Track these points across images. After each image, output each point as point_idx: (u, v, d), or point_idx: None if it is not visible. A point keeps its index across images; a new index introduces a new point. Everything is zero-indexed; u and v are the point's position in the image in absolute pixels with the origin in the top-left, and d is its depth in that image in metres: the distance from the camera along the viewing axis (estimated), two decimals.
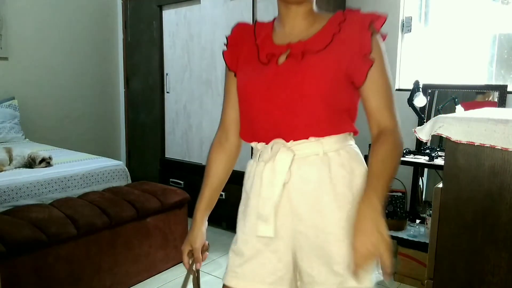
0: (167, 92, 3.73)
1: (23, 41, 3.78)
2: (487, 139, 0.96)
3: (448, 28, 2.79)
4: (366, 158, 0.99)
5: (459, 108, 2.52)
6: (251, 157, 1.12)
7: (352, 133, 1.05)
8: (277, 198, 0.99)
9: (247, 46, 1.10)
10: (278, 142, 1.01)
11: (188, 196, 2.70)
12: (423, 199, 2.85)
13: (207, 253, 1.20)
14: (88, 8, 4.22)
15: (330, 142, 0.99)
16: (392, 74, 3.08)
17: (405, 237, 2.52)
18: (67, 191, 2.54)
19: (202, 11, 3.32)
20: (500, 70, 2.62)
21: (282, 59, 1.01)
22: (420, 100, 2.59)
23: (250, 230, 1.06)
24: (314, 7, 1.05)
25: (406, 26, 2.86)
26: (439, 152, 2.52)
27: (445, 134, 1.02)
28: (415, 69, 2.90)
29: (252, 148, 1.10)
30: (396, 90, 2.88)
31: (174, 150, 3.74)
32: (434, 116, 1.60)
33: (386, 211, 2.61)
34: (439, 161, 2.43)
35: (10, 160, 2.63)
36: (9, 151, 2.66)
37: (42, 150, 2.87)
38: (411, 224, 2.69)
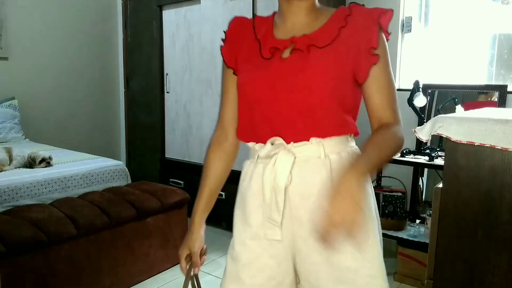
0: (167, 92, 3.74)
1: (23, 41, 3.78)
2: (487, 139, 0.96)
3: (448, 28, 2.79)
4: None
5: (459, 108, 2.52)
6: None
7: (352, 135, 1.03)
8: (282, 202, 0.96)
9: (247, 41, 1.06)
10: (278, 143, 0.98)
11: (188, 196, 2.70)
12: (423, 199, 2.85)
13: (205, 257, 1.17)
14: (88, 8, 4.22)
15: (331, 144, 0.97)
16: (392, 74, 3.08)
17: (405, 237, 2.52)
18: (67, 191, 2.54)
19: (202, 11, 3.32)
20: (500, 70, 2.62)
21: (286, 53, 0.97)
22: (420, 100, 2.59)
23: (249, 234, 1.03)
24: (316, 2, 1.03)
25: (406, 26, 2.86)
26: (439, 152, 2.52)
27: (445, 134, 1.02)
28: (415, 69, 2.90)
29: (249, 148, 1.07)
30: (396, 90, 2.87)
31: (174, 150, 3.74)
32: (434, 116, 1.60)
33: (386, 211, 2.62)
34: (439, 161, 2.43)
35: (10, 160, 2.63)
36: (9, 151, 2.66)
37: (42, 150, 2.87)
38: (411, 224, 2.69)
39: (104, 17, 4.36)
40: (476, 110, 1.28)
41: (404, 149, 2.59)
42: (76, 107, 4.22)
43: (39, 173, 2.50)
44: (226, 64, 1.10)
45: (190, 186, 3.40)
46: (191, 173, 3.50)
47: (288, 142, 0.97)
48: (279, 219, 0.97)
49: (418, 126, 1.29)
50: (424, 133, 1.07)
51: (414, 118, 2.68)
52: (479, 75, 2.70)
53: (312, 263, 0.99)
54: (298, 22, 1.00)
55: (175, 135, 3.71)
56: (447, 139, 1.02)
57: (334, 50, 0.94)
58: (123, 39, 4.24)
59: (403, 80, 2.92)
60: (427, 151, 2.55)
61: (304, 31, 0.98)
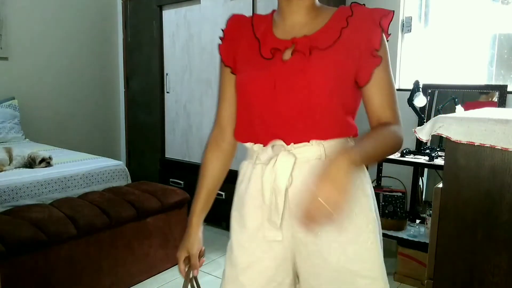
0: (167, 92, 3.74)
1: (23, 41, 3.78)
2: (487, 139, 0.96)
3: (448, 28, 2.79)
4: None
5: (459, 108, 2.52)
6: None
7: (352, 136, 1.01)
8: (282, 204, 0.95)
9: (245, 40, 1.04)
10: (278, 144, 0.96)
11: (188, 196, 2.70)
12: (423, 199, 2.85)
13: (204, 258, 1.16)
14: (88, 8, 4.22)
15: (331, 145, 0.95)
16: (392, 74, 3.09)
17: (405, 237, 2.52)
18: (67, 191, 2.54)
19: (202, 11, 3.32)
20: (500, 70, 2.62)
21: (287, 55, 0.96)
22: (420, 100, 2.59)
23: (248, 236, 1.02)
24: (316, 1, 1.02)
25: (406, 26, 2.86)
26: (439, 152, 2.52)
27: (445, 134, 1.02)
28: (415, 69, 2.90)
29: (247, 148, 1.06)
30: (396, 90, 2.87)
31: (174, 150, 3.74)
32: (434, 116, 1.60)
33: (386, 211, 2.62)
34: (439, 161, 2.43)
35: (10, 160, 2.63)
36: (9, 151, 2.66)
37: (42, 150, 2.87)
38: (411, 224, 2.69)
39: (104, 17, 4.36)
40: (476, 110, 1.28)
41: (404, 149, 2.59)
42: (76, 107, 4.22)
43: (39, 173, 2.50)
44: (223, 62, 1.09)
45: (190, 186, 3.39)
46: (191, 173, 3.50)
47: (288, 143, 0.96)
48: (279, 221, 0.96)
49: (418, 126, 1.29)
50: (424, 133, 1.07)
51: (414, 118, 2.68)
52: (479, 75, 2.70)
53: (312, 265, 0.98)
54: (298, 21, 0.99)
55: (175, 135, 3.71)
56: (447, 139, 1.02)
57: (335, 52, 0.93)
58: (123, 39, 4.24)
59: (403, 80, 2.92)
60: (427, 151, 2.55)
61: (305, 32, 0.97)
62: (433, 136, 1.06)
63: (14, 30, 3.71)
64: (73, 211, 2.23)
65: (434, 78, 2.81)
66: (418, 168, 2.78)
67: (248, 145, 1.03)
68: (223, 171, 1.14)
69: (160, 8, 3.69)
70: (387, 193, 2.64)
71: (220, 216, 2.18)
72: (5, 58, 3.68)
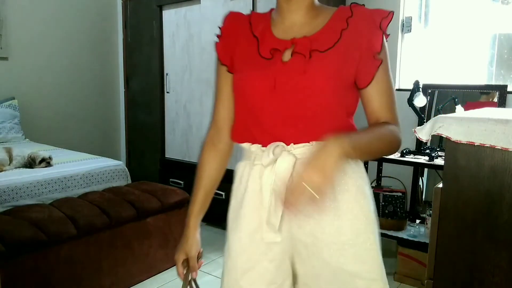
0: (167, 92, 3.74)
1: (23, 41, 3.78)
2: (487, 139, 0.96)
3: (448, 28, 2.79)
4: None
5: (459, 108, 2.52)
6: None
7: None
8: (282, 205, 0.93)
9: (243, 38, 1.02)
10: (278, 145, 0.95)
11: (188, 196, 2.68)
12: (423, 199, 2.85)
13: (202, 260, 1.15)
14: (88, 8, 4.22)
15: None
16: (392, 74, 3.08)
17: (405, 237, 2.52)
18: (67, 191, 2.54)
19: (202, 11, 3.32)
20: (500, 70, 2.62)
21: (287, 55, 0.95)
22: (420, 100, 2.59)
23: (246, 239, 1.00)
24: (316, 0, 1.01)
25: (406, 26, 2.86)
26: (439, 152, 2.52)
27: (445, 134, 1.02)
28: (415, 69, 2.90)
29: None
30: (396, 90, 2.84)
31: (174, 150, 3.74)
32: (434, 116, 1.60)
33: (386, 211, 2.62)
34: (439, 161, 2.43)
35: (10, 160, 2.63)
36: (9, 151, 2.66)
37: (42, 150, 2.87)
38: (411, 224, 2.69)
39: (104, 17, 4.36)
40: (476, 110, 1.28)
41: (404, 149, 2.59)
42: (76, 107, 4.22)
43: (39, 173, 2.50)
44: (220, 61, 1.06)
45: (190, 186, 3.38)
46: (191, 173, 3.47)
47: (287, 144, 0.95)
48: (278, 223, 0.94)
49: (418, 126, 1.29)
50: (424, 133, 1.06)
51: (414, 118, 2.68)
52: (479, 75, 2.70)
53: (312, 266, 0.98)
54: (297, 21, 0.98)
55: (175, 135, 3.71)
56: (447, 139, 1.02)
57: (335, 53, 0.93)
58: (123, 39, 4.24)
59: (403, 80, 2.92)
60: (427, 151, 2.55)
61: (305, 32, 0.96)
62: (433, 136, 1.06)
63: (14, 30, 3.71)
64: (73, 211, 2.23)
65: (434, 78, 2.81)
66: (418, 168, 2.78)
67: (245, 145, 1.02)
68: (220, 171, 1.13)
69: (160, 8, 3.69)
70: (387, 193, 2.64)
71: (220, 216, 2.18)
72: (5, 58, 3.69)
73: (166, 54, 3.71)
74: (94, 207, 2.31)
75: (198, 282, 1.15)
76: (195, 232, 1.13)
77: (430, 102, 2.76)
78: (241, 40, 1.02)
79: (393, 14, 0.96)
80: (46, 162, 2.65)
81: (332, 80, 0.92)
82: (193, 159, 3.56)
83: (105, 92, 4.45)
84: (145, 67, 3.99)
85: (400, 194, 2.63)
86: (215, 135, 1.11)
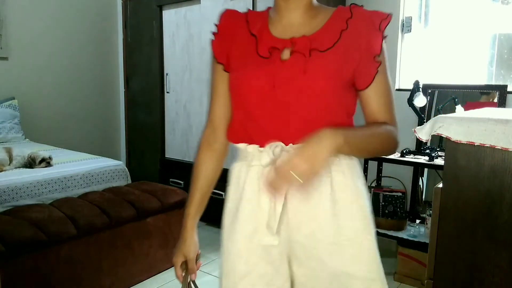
0: (167, 92, 3.74)
1: (23, 41, 3.78)
2: (487, 139, 0.96)
3: (448, 28, 2.79)
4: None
5: (459, 108, 2.52)
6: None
7: None
8: (281, 208, 0.92)
9: (240, 36, 1.00)
10: (277, 145, 0.94)
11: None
12: (423, 199, 2.85)
13: (200, 261, 1.14)
14: (88, 8, 4.22)
15: None
16: (392, 74, 3.06)
17: (405, 237, 2.52)
18: (67, 191, 2.54)
19: (202, 11, 3.32)
20: (500, 70, 2.62)
21: (285, 54, 0.94)
22: (420, 100, 2.60)
23: (243, 243, 0.98)
24: (314, 0, 1.00)
25: (406, 26, 2.86)
26: (439, 152, 2.52)
27: (445, 134, 1.02)
28: (415, 69, 2.91)
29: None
30: (396, 90, 2.88)
31: (174, 150, 3.74)
32: (434, 116, 1.60)
33: (386, 211, 2.62)
34: (439, 161, 2.43)
35: (10, 160, 2.63)
36: (9, 151, 2.66)
37: (42, 150, 2.87)
38: (411, 224, 2.69)
39: (104, 17, 4.36)
40: (476, 110, 1.28)
41: (404, 149, 2.59)
42: (76, 107, 4.22)
43: (39, 173, 2.50)
44: (216, 59, 1.04)
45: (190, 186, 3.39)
46: (191, 173, 3.50)
47: (286, 144, 0.94)
48: (276, 225, 0.93)
49: (418, 126, 1.29)
50: (424, 133, 1.06)
51: (414, 118, 2.68)
52: (479, 75, 2.70)
53: (310, 268, 0.97)
54: (295, 20, 0.97)
55: (175, 135, 3.71)
56: (447, 139, 1.02)
57: (335, 53, 0.92)
58: (123, 39, 4.24)
59: (403, 80, 2.92)
60: (427, 151, 2.55)
61: (304, 31, 0.95)
62: (433, 136, 1.06)
63: (14, 30, 3.71)
64: (73, 211, 2.23)
65: (434, 78, 2.81)
66: (418, 168, 2.78)
67: (242, 146, 1.00)
68: (216, 171, 1.12)
69: (160, 8, 3.69)
70: (387, 193, 2.64)
71: (219, 216, 2.18)
72: (5, 58, 3.69)
73: (166, 54, 3.71)
74: (94, 207, 2.31)
75: (198, 282, 1.14)
76: (193, 234, 1.12)
77: (430, 102, 2.76)
78: (238, 39, 1.01)
79: (391, 16, 0.96)
80: (46, 162, 2.65)
81: (332, 80, 0.92)
82: (193, 159, 3.55)
83: (105, 92, 4.45)
84: (145, 67, 3.99)
85: (400, 194, 2.63)
86: (211, 135, 1.09)
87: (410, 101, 2.61)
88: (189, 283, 1.11)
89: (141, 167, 4.17)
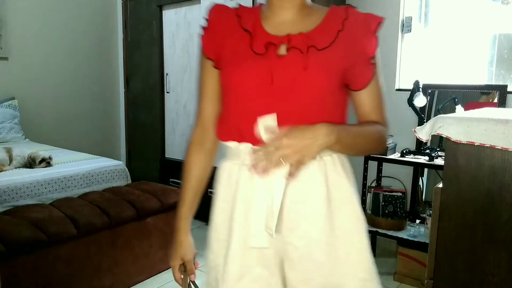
0: (167, 92, 3.74)
1: (23, 41, 3.78)
2: (487, 139, 0.96)
3: (448, 28, 2.79)
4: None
5: (459, 108, 2.52)
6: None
7: None
8: (278, 208, 0.90)
9: (231, 32, 0.97)
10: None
11: None
12: (423, 199, 2.85)
13: (198, 261, 1.13)
14: (88, 8, 4.22)
15: None
16: (392, 74, 3.05)
17: (405, 237, 2.52)
18: (67, 191, 2.54)
19: (202, 11, 3.32)
20: (500, 70, 2.62)
21: (282, 50, 0.92)
22: (420, 100, 2.60)
23: (237, 246, 0.95)
24: None
25: (406, 26, 2.86)
26: (439, 152, 2.52)
27: (445, 134, 1.02)
28: (415, 69, 2.90)
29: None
30: (396, 90, 2.88)
31: (174, 150, 3.74)
32: (434, 116, 1.60)
33: (386, 211, 2.62)
34: (439, 161, 2.43)
35: (10, 160, 2.63)
36: (9, 151, 2.66)
37: (42, 150, 2.87)
38: (411, 224, 2.69)
39: (104, 17, 4.36)
40: (476, 110, 1.28)
41: (404, 149, 2.59)
42: (76, 107, 4.22)
43: (39, 173, 2.50)
44: (205, 55, 1.01)
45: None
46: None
47: None
48: (274, 226, 0.90)
49: (418, 126, 1.29)
50: (424, 133, 1.07)
51: (414, 118, 2.68)
52: (479, 75, 2.70)
53: (302, 271, 0.95)
54: (289, 18, 0.96)
55: (175, 135, 3.71)
56: (447, 139, 1.02)
57: (332, 54, 0.92)
58: (123, 39, 4.24)
59: (403, 80, 2.92)
60: (427, 151, 2.55)
61: (299, 29, 0.94)
62: (433, 136, 1.06)
63: (14, 30, 3.71)
64: (73, 211, 2.23)
65: (434, 78, 2.81)
66: (418, 168, 2.78)
67: (232, 144, 0.98)
68: (207, 170, 1.10)
69: (160, 8, 3.69)
70: (387, 193, 2.64)
71: None
72: (5, 58, 3.68)
73: (166, 54, 3.71)
74: (94, 207, 2.31)
75: (197, 282, 1.14)
76: (187, 236, 1.11)
77: (430, 102, 2.76)
78: (229, 34, 0.98)
79: (384, 19, 0.97)
80: (46, 162, 2.64)
81: (331, 79, 0.92)
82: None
83: (105, 92, 4.45)
84: (145, 67, 3.99)
85: (400, 194, 2.63)
86: (201, 135, 1.07)
87: (410, 101, 2.61)
88: (189, 284, 1.11)
89: (141, 167, 4.17)
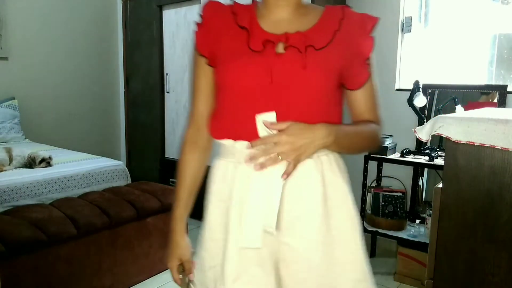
0: (167, 92, 3.74)
1: (23, 41, 3.78)
2: (487, 139, 0.96)
3: (448, 28, 2.79)
4: None
5: (459, 108, 2.52)
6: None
7: None
8: (278, 206, 0.89)
9: (226, 29, 0.96)
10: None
11: None
12: (423, 199, 2.85)
13: (196, 261, 1.11)
14: (88, 8, 4.22)
15: None
16: (392, 74, 3.05)
17: (405, 237, 2.52)
18: (67, 191, 2.54)
19: None
20: (500, 70, 2.62)
21: (280, 48, 0.91)
22: (420, 100, 2.60)
23: (234, 246, 0.94)
24: None
25: (406, 26, 2.86)
26: (439, 152, 2.52)
27: (445, 134, 1.02)
28: (415, 69, 2.90)
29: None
30: (396, 90, 2.88)
31: (174, 150, 3.74)
32: (434, 116, 1.60)
33: (386, 211, 2.62)
34: (439, 161, 2.43)
35: (10, 160, 2.63)
36: (9, 151, 2.66)
37: (42, 150, 2.87)
38: (411, 224, 2.69)
39: (104, 17, 4.36)
40: (476, 110, 1.28)
41: (404, 149, 2.59)
42: (76, 107, 4.22)
43: (39, 173, 2.50)
44: (198, 52, 1.00)
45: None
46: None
47: None
48: (275, 224, 0.90)
49: (418, 126, 1.29)
50: (424, 133, 1.07)
51: (414, 118, 2.68)
52: (479, 75, 2.70)
53: (297, 271, 0.95)
54: (285, 16, 0.96)
55: (175, 135, 3.71)
56: (447, 139, 1.02)
57: (330, 53, 0.92)
58: (123, 39, 4.24)
59: (403, 80, 2.92)
60: (427, 151, 2.55)
61: (296, 28, 0.94)
62: (433, 136, 1.06)
63: (14, 30, 3.71)
64: (73, 211, 2.23)
65: (434, 78, 2.81)
66: (418, 168, 2.78)
67: (227, 142, 0.96)
68: (202, 169, 1.10)
69: (160, 8, 3.69)
70: (387, 193, 2.64)
71: None
72: (5, 58, 3.68)
73: (166, 54, 3.71)
74: (94, 207, 2.31)
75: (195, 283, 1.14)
76: (184, 236, 1.10)
77: (430, 102, 2.76)
78: (225, 31, 0.96)
79: (379, 20, 0.98)
80: (46, 162, 2.64)
81: (329, 78, 0.93)
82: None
83: (105, 92, 4.45)
84: (145, 67, 3.99)
85: (400, 194, 2.63)
86: (195, 133, 1.06)
87: (410, 101, 2.61)
88: (188, 284, 1.10)
89: (141, 167, 4.17)
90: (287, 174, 0.88)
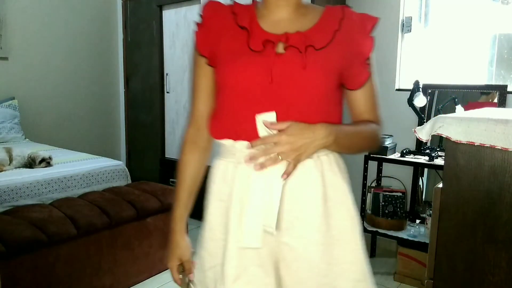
0: (167, 92, 3.74)
1: (23, 41, 3.78)
2: (487, 139, 0.96)
3: (448, 28, 2.79)
4: None
5: (459, 108, 2.52)
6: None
7: None
8: (278, 206, 0.89)
9: (226, 29, 0.96)
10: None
11: None
12: (423, 199, 2.85)
13: (196, 261, 1.11)
14: (88, 8, 4.22)
15: None
16: (392, 74, 3.05)
17: (405, 237, 2.52)
18: (67, 191, 2.54)
19: None
20: (500, 70, 2.62)
21: (280, 48, 0.92)
22: (420, 100, 2.60)
23: (233, 246, 0.94)
24: None
25: (406, 26, 2.86)
26: (439, 152, 2.52)
27: (445, 134, 1.02)
28: (415, 69, 2.91)
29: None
30: (396, 90, 2.88)
31: (174, 150, 3.74)
32: (434, 116, 1.60)
33: (386, 211, 2.62)
34: (439, 161, 2.43)
35: (10, 160, 2.63)
36: (9, 151, 2.66)
37: (42, 150, 2.87)
38: (411, 224, 2.69)
39: (104, 16, 4.36)
40: (476, 110, 1.28)
41: (404, 149, 2.59)
42: (76, 107, 4.22)
43: (39, 173, 2.50)
44: (198, 51, 1.00)
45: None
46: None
47: None
48: (275, 224, 0.90)
49: (418, 126, 1.29)
50: (424, 133, 1.07)
51: (414, 118, 2.68)
52: (479, 75, 2.70)
53: (297, 271, 0.95)
54: (285, 16, 0.96)
55: (175, 135, 3.71)
56: (447, 139, 1.02)
57: (330, 53, 0.92)
58: (123, 39, 4.24)
59: (403, 80, 2.92)
60: (427, 151, 2.55)
61: (296, 28, 0.94)
62: (433, 136, 1.06)
63: (14, 30, 3.71)
64: (73, 211, 2.23)
65: (434, 78, 2.81)
66: (418, 168, 2.78)
67: (227, 142, 0.96)
68: (202, 169, 1.10)
69: (160, 8, 3.69)
70: (387, 193, 2.64)
71: None
72: (5, 58, 3.68)
73: (166, 54, 3.71)
74: (94, 207, 2.31)
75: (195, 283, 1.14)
76: (183, 236, 1.11)
77: (430, 102, 2.76)
78: (225, 31, 0.97)
79: (378, 20, 0.98)
80: (46, 162, 2.64)
81: (329, 78, 0.93)
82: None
83: (105, 92, 4.45)
84: (145, 67, 3.99)
85: (400, 194, 2.63)
86: (195, 133, 1.07)
87: (410, 101, 2.61)
88: (188, 284, 1.10)
89: (141, 167, 4.17)
90: (287, 174, 0.88)
